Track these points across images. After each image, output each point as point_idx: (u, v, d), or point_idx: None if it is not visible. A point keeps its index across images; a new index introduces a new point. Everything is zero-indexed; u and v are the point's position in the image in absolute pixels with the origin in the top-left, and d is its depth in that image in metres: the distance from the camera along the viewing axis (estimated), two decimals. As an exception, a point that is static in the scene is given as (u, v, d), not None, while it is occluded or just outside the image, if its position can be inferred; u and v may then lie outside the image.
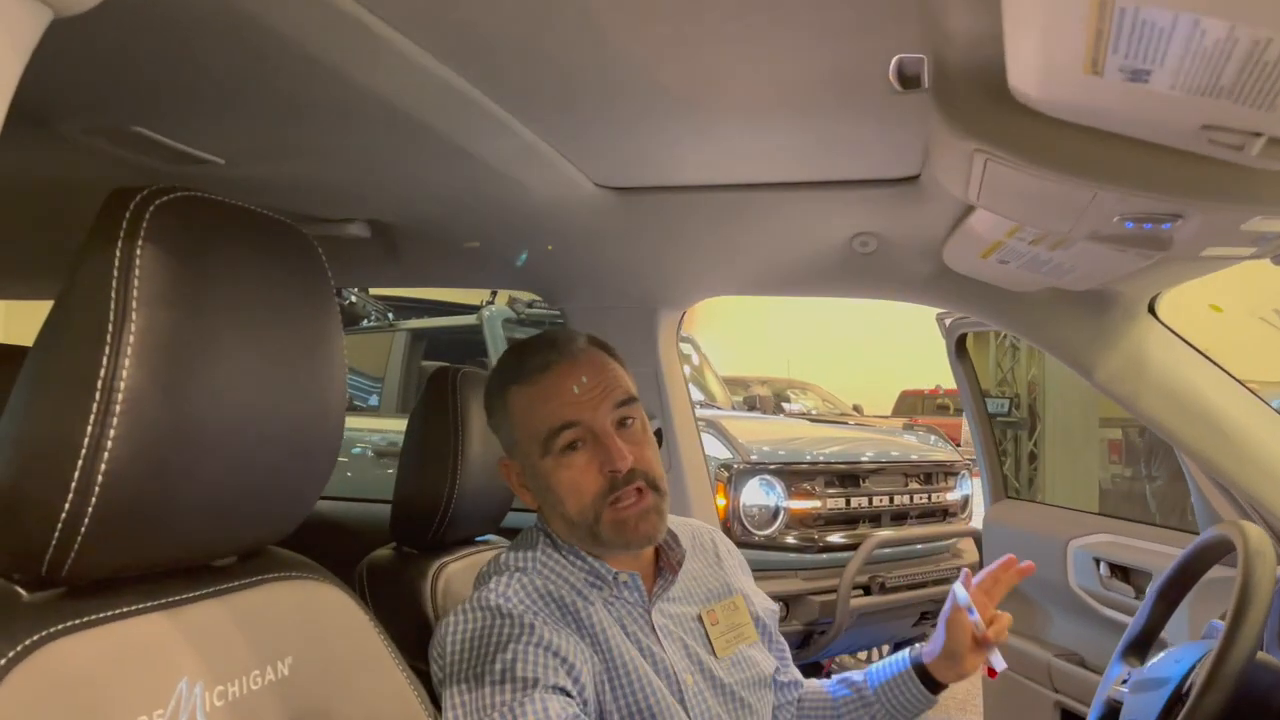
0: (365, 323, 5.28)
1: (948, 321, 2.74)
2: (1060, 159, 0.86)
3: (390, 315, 5.22)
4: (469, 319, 4.89)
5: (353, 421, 4.92)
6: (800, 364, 13.31)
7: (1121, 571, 2.13)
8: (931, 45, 0.91)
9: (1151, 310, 1.58)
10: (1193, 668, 1.23)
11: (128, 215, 0.65)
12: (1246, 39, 0.60)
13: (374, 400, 5.17)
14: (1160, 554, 2.04)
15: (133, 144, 1.22)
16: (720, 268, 1.76)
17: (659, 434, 1.85)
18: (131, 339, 0.62)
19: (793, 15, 0.91)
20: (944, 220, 1.45)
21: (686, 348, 5.83)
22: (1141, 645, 1.47)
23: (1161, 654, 1.34)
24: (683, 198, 1.51)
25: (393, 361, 5.09)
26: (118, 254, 0.64)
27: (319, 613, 0.87)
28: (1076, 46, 0.68)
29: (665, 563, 1.24)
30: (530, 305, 4.79)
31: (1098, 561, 2.18)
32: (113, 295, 0.63)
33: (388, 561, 1.47)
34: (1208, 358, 1.58)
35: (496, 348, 4.76)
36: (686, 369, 5.58)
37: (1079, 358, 1.59)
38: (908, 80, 1.05)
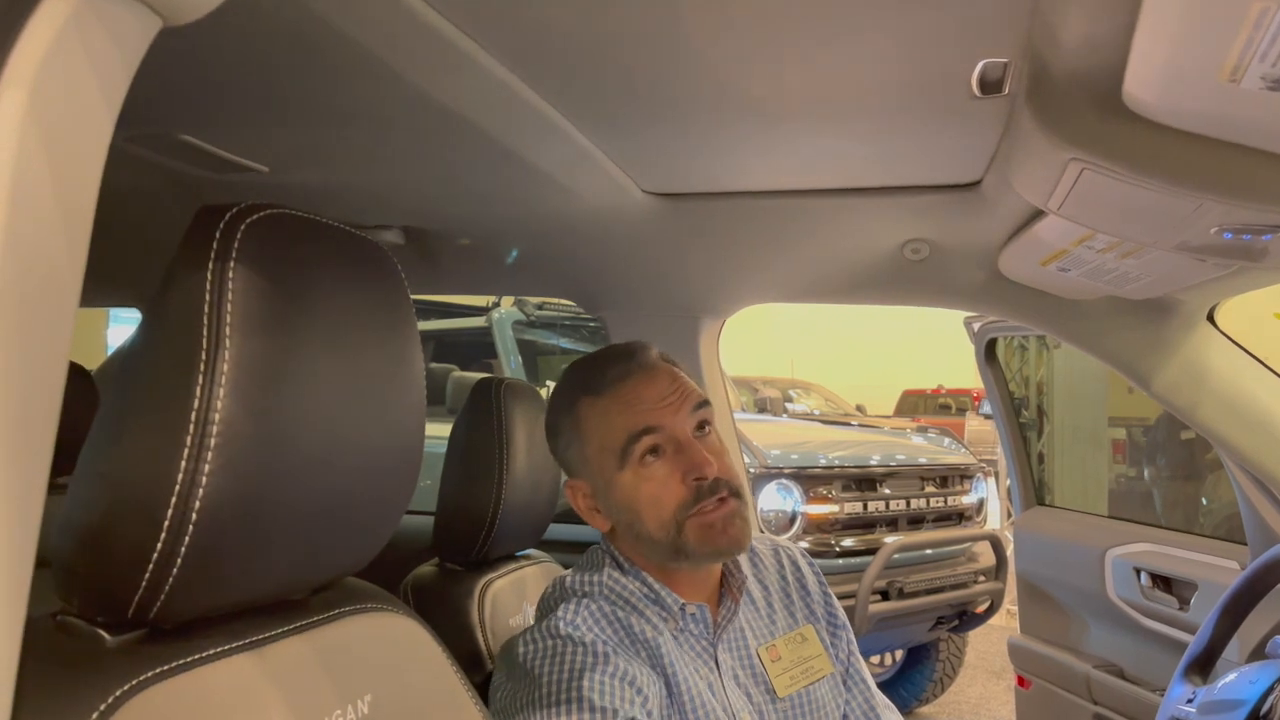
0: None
1: (976, 326, 2.70)
2: (1170, 169, 0.83)
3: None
4: (478, 321, 4.85)
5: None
6: (803, 363, 13.28)
7: (1163, 582, 2.10)
8: (1033, 52, 0.87)
9: (1211, 319, 1.55)
10: (1270, 689, 1.20)
11: (218, 236, 0.61)
12: None
13: None
14: (1204, 564, 2.00)
15: (178, 152, 1.19)
16: (766, 275, 1.72)
17: None
18: (225, 367, 0.59)
19: (881, 22, 0.88)
20: (1003, 227, 1.41)
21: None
22: (1205, 663, 1.43)
23: (1233, 674, 1.31)
24: (731, 204, 1.47)
25: (401, 364, 5.04)
26: (209, 277, 0.60)
27: (395, 647, 0.83)
28: (1217, 53, 0.64)
29: (728, 589, 1.19)
30: (540, 306, 4.73)
31: (1138, 571, 2.15)
32: (205, 321, 0.59)
33: (432, 579, 1.43)
34: (1269, 368, 1.55)
35: (506, 349, 4.72)
36: (696, 371, 5.57)
37: (1136, 367, 1.55)
38: (988, 86, 1.02)
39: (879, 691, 1.30)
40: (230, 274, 0.60)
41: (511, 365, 4.67)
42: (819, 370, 13.06)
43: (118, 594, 0.59)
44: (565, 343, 4.99)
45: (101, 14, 0.45)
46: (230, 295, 0.60)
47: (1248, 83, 0.66)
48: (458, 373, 4.83)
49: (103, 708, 0.55)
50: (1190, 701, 1.36)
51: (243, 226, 0.62)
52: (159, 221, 1.50)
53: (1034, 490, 2.67)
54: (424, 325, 4.97)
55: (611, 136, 1.23)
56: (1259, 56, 0.62)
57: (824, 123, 1.17)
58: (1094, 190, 0.94)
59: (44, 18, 0.42)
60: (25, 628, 0.61)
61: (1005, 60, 0.95)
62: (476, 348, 4.97)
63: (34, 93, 0.41)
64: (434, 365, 5.07)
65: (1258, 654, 1.69)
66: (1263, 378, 1.54)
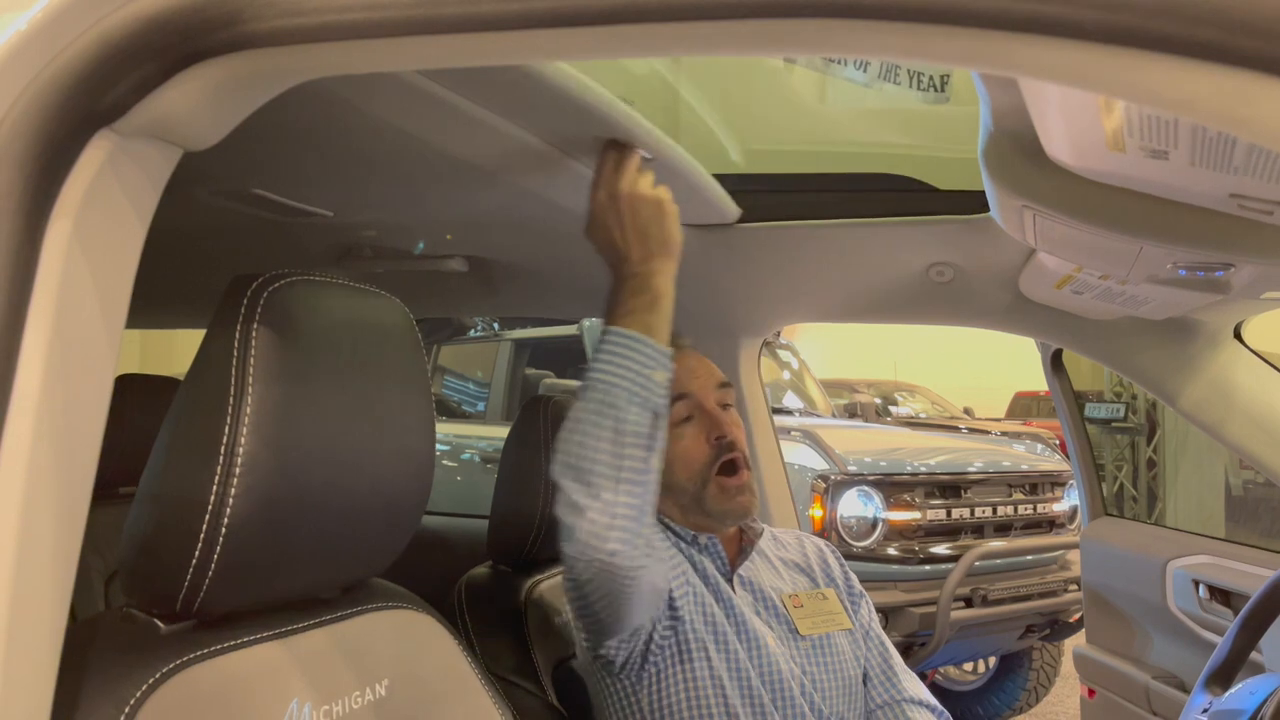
0: (473, 332, 5.49)
1: (1043, 335, 2.70)
2: (1103, 217, 0.89)
3: (496, 325, 5.40)
4: (569, 329, 5.02)
5: (461, 429, 5.13)
6: (907, 365, 13.05)
7: (1222, 594, 2.09)
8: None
9: (1238, 335, 1.57)
10: (1266, 700, 1.24)
11: (244, 302, 0.75)
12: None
13: (481, 406, 5.38)
14: (1260, 578, 1.99)
15: (252, 202, 1.36)
16: (798, 297, 1.81)
17: None
18: (248, 411, 0.73)
19: None
20: (1018, 252, 1.47)
21: (785, 354, 5.84)
22: (1225, 674, 1.46)
23: (1239, 685, 1.34)
24: (757, 233, 1.57)
25: (498, 369, 5.27)
26: (236, 337, 0.74)
27: (413, 639, 0.97)
28: (1095, 130, 0.72)
29: (746, 539, 1.36)
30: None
31: (1197, 584, 2.14)
32: (232, 373, 0.73)
33: (484, 580, 1.57)
34: (1298, 384, 1.56)
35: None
36: (785, 374, 5.61)
37: (1162, 385, 1.58)
38: (965, 132, 1.10)
39: (899, 657, 1.41)
40: (254, 334, 0.74)
41: (600, 371, 4.82)
42: (925, 371, 12.81)
43: (167, 591, 0.74)
44: (653, 349, 5.12)
45: (133, 153, 0.59)
46: (253, 351, 0.74)
47: (1131, 152, 0.74)
48: (550, 379, 5.03)
49: (151, 680, 0.70)
50: (1205, 711, 1.40)
51: (266, 293, 0.76)
52: (243, 254, 1.70)
53: (1101, 500, 2.66)
54: (520, 333, 5.20)
55: None
56: (1128, 133, 0.70)
57: None
58: (1053, 232, 1.01)
59: (86, 162, 0.57)
60: (100, 617, 0.77)
61: None
62: (570, 354, 5.15)
63: (78, 221, 0.56)
64: (529, 371, 5.28)
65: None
66: (1291, 394, 1.55)
